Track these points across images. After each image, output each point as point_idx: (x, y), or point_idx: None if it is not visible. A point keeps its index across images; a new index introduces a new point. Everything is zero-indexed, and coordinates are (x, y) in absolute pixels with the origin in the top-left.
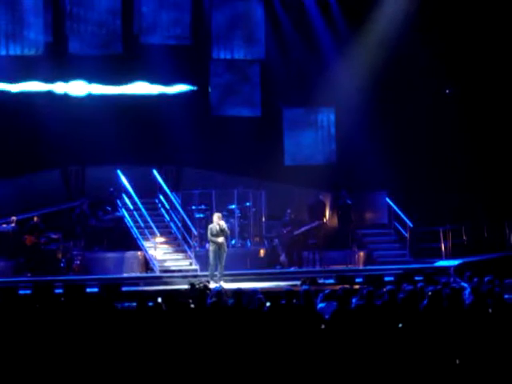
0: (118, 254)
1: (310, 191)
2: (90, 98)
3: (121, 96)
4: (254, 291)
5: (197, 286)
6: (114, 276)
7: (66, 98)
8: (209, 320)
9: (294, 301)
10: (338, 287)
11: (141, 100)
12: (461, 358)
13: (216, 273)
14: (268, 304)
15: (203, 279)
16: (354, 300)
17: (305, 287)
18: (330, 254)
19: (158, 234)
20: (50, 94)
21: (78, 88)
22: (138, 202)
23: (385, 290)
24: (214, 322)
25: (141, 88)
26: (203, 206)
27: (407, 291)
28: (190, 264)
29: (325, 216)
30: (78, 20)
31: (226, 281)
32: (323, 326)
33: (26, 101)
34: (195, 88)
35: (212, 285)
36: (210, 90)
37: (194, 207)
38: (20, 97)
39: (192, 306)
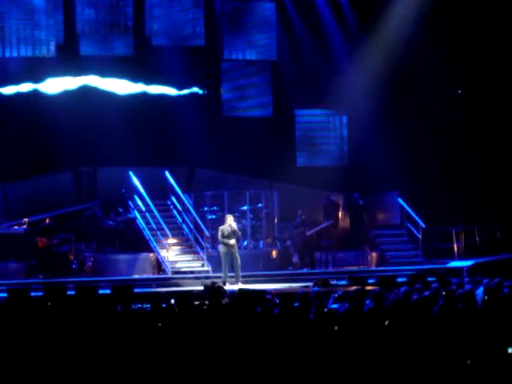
0: (130, 255)
1: (322, 192)
2: (102, 99)
3: (132, 97)
4: (262, 291)
5: (211, 287)
6: (126, 277)
7: (77, 99)
8: (223, 321)
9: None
10: (351, 288)
11: (152, 101)
12: (472, 359)
13: (230, 274)
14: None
15: (216, 280)
16: (367, 302)
17: (314, 289)
18: (342, 255)
19: (170, 236)
20: (60, 94)
21: (90, 81)
22: (150, 204)
23: (397, 291)
24: (228, 323)
25: (153, 89)
26: (215, 208)
27: (420, 293)
28: (202, 265)
29: (337, 216)
30: (90, 21)
31: (244, 282)
32: (336, 328)
33: (36, 102)
34: (206, 91)
35: (228, 286)
36: (221, 90)
37: (206, 208)
38: (31, 98)
39: (205, 307)
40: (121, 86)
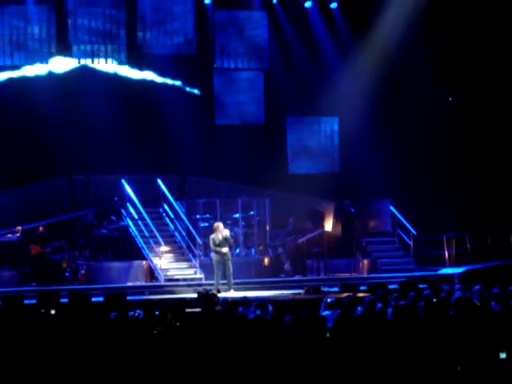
0: (122, 263)
1: (313, 200)
2: (95, 107)
3: (125, 105)
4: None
5: (205, 295)
6: (119, 285)
7: (70, 107)
8: (217, 328)
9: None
10: (342, 295)
11: (144, 109)
12: (463, 365)
13: (223, 281)
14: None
15: (209, 288)
16: (359, 308)
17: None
18: (334, 262)
19: (163, 243)
20: (53, 102)
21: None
22: (143, 211)
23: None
24: (222, 330)
25: (144, 98)
26: (208, 215)
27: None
28: (195, 273)
29: (324, 224)
30: (83, 30)
31: (236, 289)
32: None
33: (29, 110)
34: (198, 92)
35: (222, 294)
36: (213, 98)
37: (198, 216)
38: (23, 106)
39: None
40: (114, 93)
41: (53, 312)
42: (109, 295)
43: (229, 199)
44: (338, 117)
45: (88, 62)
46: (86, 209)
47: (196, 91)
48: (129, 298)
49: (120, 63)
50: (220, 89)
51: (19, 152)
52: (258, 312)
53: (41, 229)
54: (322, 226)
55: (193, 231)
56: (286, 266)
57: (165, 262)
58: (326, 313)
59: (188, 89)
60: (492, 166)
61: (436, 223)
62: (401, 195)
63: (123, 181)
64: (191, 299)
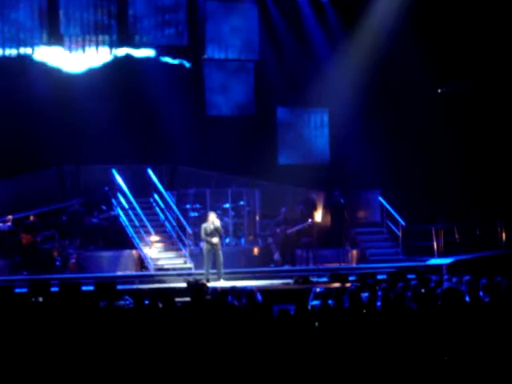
0: (113, 252)
1: (303, 190)
2: (86, 97)
3: (115, 95)
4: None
5: (194, 284)
6: (109, 274)
7: (61, 97)
8: (206, 317)
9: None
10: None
11: (135, 99)
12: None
13: (213, 271)
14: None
15: (198, 277)
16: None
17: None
18: (323, 252)
19: (153, 233)
20: (43, 93)
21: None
22: (133, 201)
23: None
24: (212, 320)
25: (136, 86)
26: (198, 205)
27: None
28: (185, 262)
29: (315, 214)
30: (75, 22)
31: (226, 279)
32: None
33: (19, 101)
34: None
35: (211, 283)
36: (204, 89)
37: (188, 206)
38: (13, 96)
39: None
40: (105, 83)
41: (40, 299)
42: (99, 284)
43: (219, 189)
44: (327, 108)
45: (79, 52)
46: (73, 199)
47: (187, 64)
48: (119, 287)
49: (111, 54)
50: (210, 80)
51: (10, 142)
52: (247, 301)
53: (31, 218)
54: (314, 216)
55: (183, 221)
56: (276, 256)
57: (155, 251)
58: (314, 302)
59: (177, 61)
60: (481, 157)
61: (424, 214)
62: (390, 186)
63: (114, 171)
64: (181, 289)
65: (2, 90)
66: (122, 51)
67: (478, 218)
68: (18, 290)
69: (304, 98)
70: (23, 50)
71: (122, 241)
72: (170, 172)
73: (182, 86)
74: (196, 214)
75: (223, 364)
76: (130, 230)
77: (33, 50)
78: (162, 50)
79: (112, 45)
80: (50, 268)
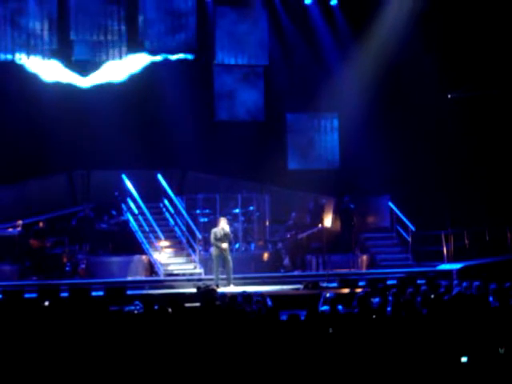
0: (122, 257)
1: (312, 195)
2: (96, 102)
3: (125, 101)
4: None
5: (204, 290)
6: (119, 280)
7: (72, 103)
8: (216, 323)
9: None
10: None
11: (145, 104)
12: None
13: (222, 276)
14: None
15: (208, 283)
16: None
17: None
18: (332, 257)
19: (163, 238)
20: (54, 98)
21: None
22: (143, 206)
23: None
24: (221, 325)
25: (145, 93)
26: (207, 210)
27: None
28: (195, 268)
29: (324, 219)
30: (84, 27)
31: (235, 284)
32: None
33: (30, 106)
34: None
35: (221, 289)
36: (214, 94)
37: (198, 211)
38: (24, 102)
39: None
40: (115, 89)
41: (46, 303)
42: (109, 289)
43: (228, 195)
44: (337, 113)
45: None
46: (83, 204)
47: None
48: (129, 292)
49: (120, 59)
50: (220, 85)
51: (20, 147)
52: (258, 307)
53: (41, 223)
54: (323, 221)
55: (192, 226)
56: (286, 262)
57: (165, 256)
58: (324, 308)
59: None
60: (491, 163)
61: (434, 219)
62: (399, 191)
63: (124, 176)
64: (191, 294)
65: (14, 95)
66: (132, 57)
67: (487, 223)
68: (27, 296)
69: (314, 103)
70: (33, 57)
71: (132, 246)
72: (180, 177)
73: (192, 91)
74: (206, 220)
75: (233, 369)
76: (140, 236)
77: (43, 57)
78: (171, 56)
79: (122, 51)
80: (59, 273)
